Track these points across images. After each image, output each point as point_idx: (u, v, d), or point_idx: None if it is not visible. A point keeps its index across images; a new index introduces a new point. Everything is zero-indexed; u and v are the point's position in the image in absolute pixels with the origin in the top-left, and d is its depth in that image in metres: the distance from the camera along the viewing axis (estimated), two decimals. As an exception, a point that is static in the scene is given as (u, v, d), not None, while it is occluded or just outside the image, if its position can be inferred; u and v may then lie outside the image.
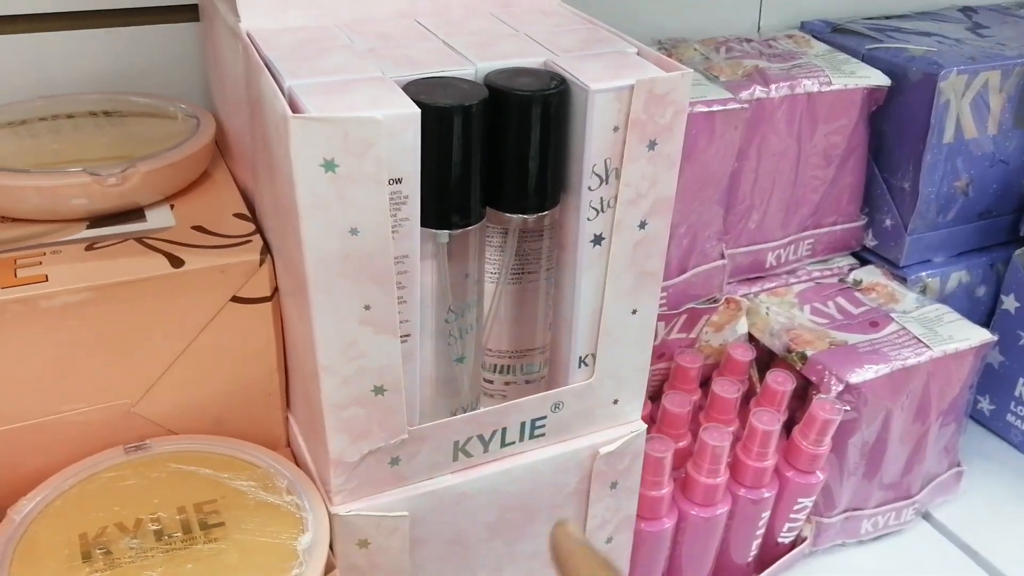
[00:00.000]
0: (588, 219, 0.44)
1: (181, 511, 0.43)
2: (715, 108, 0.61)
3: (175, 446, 0.47)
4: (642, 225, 0.45)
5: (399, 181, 0.39)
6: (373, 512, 0.45)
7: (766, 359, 0.68)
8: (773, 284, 0.72)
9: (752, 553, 0.64)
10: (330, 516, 0.45)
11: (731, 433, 0.57)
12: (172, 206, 0.51)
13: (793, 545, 0.67)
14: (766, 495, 0.61)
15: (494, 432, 0.47)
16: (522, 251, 0.46)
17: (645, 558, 0.59)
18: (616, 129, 0.42)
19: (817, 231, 0.73)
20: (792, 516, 0.64)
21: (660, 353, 0.66)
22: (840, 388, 0.62)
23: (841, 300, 0.71)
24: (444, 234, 0.42)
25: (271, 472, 0.46)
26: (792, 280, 0.73)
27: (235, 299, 0.47)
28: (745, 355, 0.65)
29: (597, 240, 0.45)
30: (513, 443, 0.48)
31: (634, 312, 0.48)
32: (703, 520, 0.59)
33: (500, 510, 0.49)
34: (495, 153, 0.42)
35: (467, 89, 0.41)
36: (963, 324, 0.68)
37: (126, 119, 0.54)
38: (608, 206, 0.44)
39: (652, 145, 0.43)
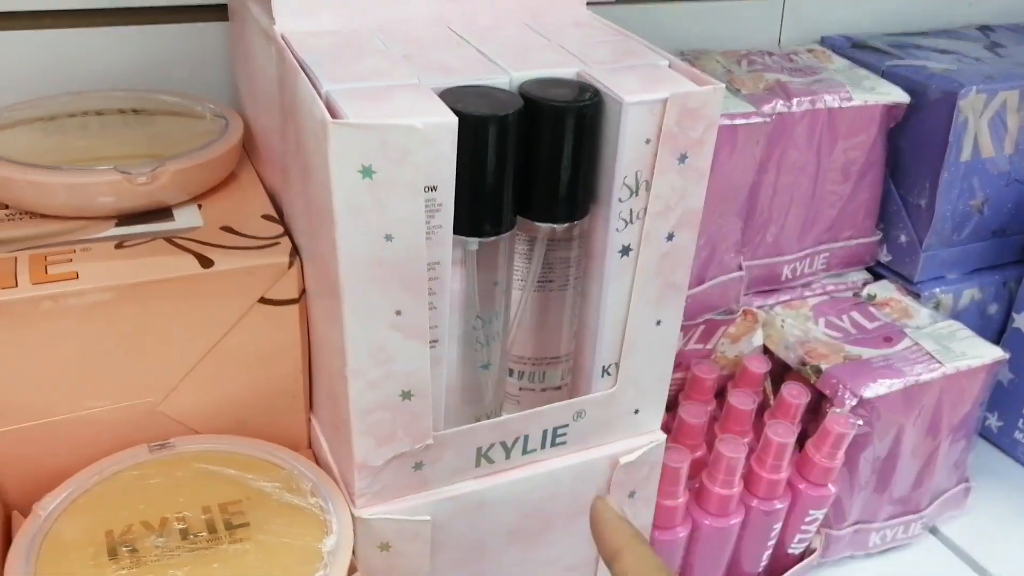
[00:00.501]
0: (617, 230, 0.44)
1: (206, 511, 0.43)
2: (738, 121, 0.62)
3: (199, 446, 0.47)
4: (670, 237, 0.46)
5: (434, 188, 0.39)
6: (396, 516, 0.45)
7: (779, 371, 0.69)
8: (788, 297, 0.73)
9: (763, 564, 0.64)
10: (353, 519, 0.45)
11: (746, 445, 0.58)
12: (200, 206, 0.51)
13: (803, 556, 0.67)
14: (779, 507, 0.61)
15: (516, 439, 0.48)
16: (549, 259, 0.46)
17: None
18: (648, 142, 0.42)
19: (833, 245, 0.74)
20: (803, 528, 0.64)
21: (676, 363, 0.66)
22: (854, 402, 0.63)
23: (856, 314, 0.71)
24: (474, 241, 0.43)
25: (295, 474, 0.46)
26: (807, 293, 0.74)
27: (263, 300, 0.47)
28: (761, 367, 0.65)
29: (625, 251, 0.45)
30: (535, 451, 0.49)
31: (658, 323, 0.48)
32: (716, 530, 0.59)
33: (519, 517, 0.50)
34: (527, 162, 0.42)
35: (503, 99, 0.41)
36: (976, 341, 0.68)
37: (154, 117, 0.54)
38: (637, 218, 0.44)
39: (683, 159, 0.44)
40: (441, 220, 0.40)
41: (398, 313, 0.40)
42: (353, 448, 0.44)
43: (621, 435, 0.51)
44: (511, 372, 0.50)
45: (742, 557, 0.63)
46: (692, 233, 0.46)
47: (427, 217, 0.39)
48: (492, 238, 0.43)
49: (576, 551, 0.53)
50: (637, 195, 0.44)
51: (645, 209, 0.44)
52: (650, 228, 0.45)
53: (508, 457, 0.48)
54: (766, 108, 0.64)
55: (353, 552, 0.45)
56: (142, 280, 0.44)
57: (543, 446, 0.49)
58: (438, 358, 0.43)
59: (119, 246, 0.46)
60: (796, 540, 0.65)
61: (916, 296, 0.74)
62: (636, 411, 0.50)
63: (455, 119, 0.38)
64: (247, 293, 0.47)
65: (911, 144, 0.72)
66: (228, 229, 0.49)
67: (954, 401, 0.67)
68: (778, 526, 0.62)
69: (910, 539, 0.72)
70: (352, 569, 0.44)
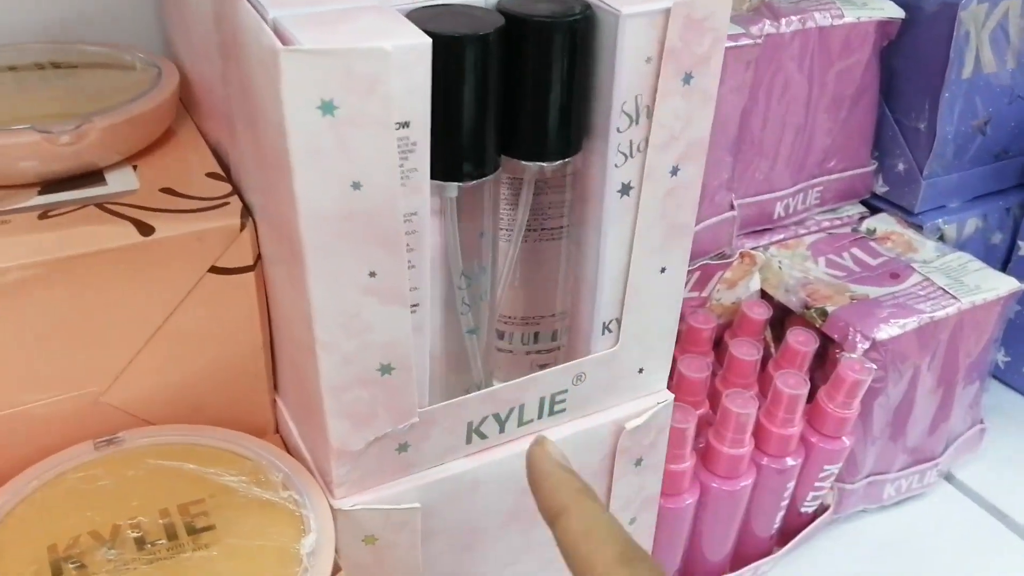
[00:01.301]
0: (616, 165, 0.39)
1: (164, 514, 0.37)
2: (726, 44, 0.56)
3: (152, 439, 0.41)
4: (674, 171, 0.40)
5: (406, 125, 0.33)
6: (381, 505, 0.40)
7: (779, 317, 0.64)
8: (782, 236, 0.68)
9: (775, 526, 0.60)
10: (333, 511, 0.40)
11: (754, 398, 0.53)
12: (135, 167, 0.44)
13: (816, 515, 0.63)
14: (792, 464, 0.57)
15: (511, 410, 0.42)
16: (539, 205, 0.41)
17: (666, 537, 0.55)
18: (648, 60, 0.37)
19: (827, 178, 0.69)
20: (817, 484, 0.60)
21: (671, 314, 0.61)
22: (866, 346, 0.58)
23: (856, 251, 0.67)
24: (453, 187, 0.37)
25: (263, 464, 0.41)
26: (801, 231, 0.69)
27: (213, 269, 0.41)
28: (762, 313, 0.61)
29: (625, 190, 0.40)
30: (531, 421, 0.43)
31: (663, 270, 0.43)
32: (727, 494, 0.55)
33: (517, 495, 0.45)
34: (510, 91, 0.37)
35: (480, 16, 0.35)
36: (988, 273, 0.64)
37: (77, 71, 0.48)
38: (638, 150, 0.39)
39: (688, 79, 0.38)
40: (416, 162, 0.34)
41: (372, 275, 0.35)
42: (328, 432, 0.38)
43: (625, 398, 0.46)
44: (500, 335, 0.44)
45: (754, 520, 0.59)
46: (698, 166, 0.41)
47: (400, 159, 0.34)
48: (474, 182, 0.37)
49: (582, 527, 0.48)
50: (637, 124, 0.38)
51: (646, 140, 0.39)
52: (653, 162, 0.39)
53: (503, 430, 0.43)
54: (754, 29, 0.59)
55: (335, 549, 0.40)
56: (73, 253, 0.38)
57: (540, 415, 0.44)
58: (420, 324, 0.38)
59: (44, 216, 0.40)
60: (809, 498, 0.61)
61: (918, 228, 0.70)
62: (640, 370, 0.45)
63: (428, 40, 0.32)
64: (195, 262, 0.41)
65: (907, 63, 0.67)
66: (169, 191, 0.42)
67: (969, 338, 0.63)
68: (791, 485, 0.58)
69: (925, 488, 0.68)
70: (336, 568, 0.39)
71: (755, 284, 0.63)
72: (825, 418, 0.57)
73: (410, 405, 0.38)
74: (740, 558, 0.60)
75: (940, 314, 0.60)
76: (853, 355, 0.57)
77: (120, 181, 0.43)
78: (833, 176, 0.69)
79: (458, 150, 0.36)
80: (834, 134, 0.67)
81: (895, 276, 0.64)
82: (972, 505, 0.68)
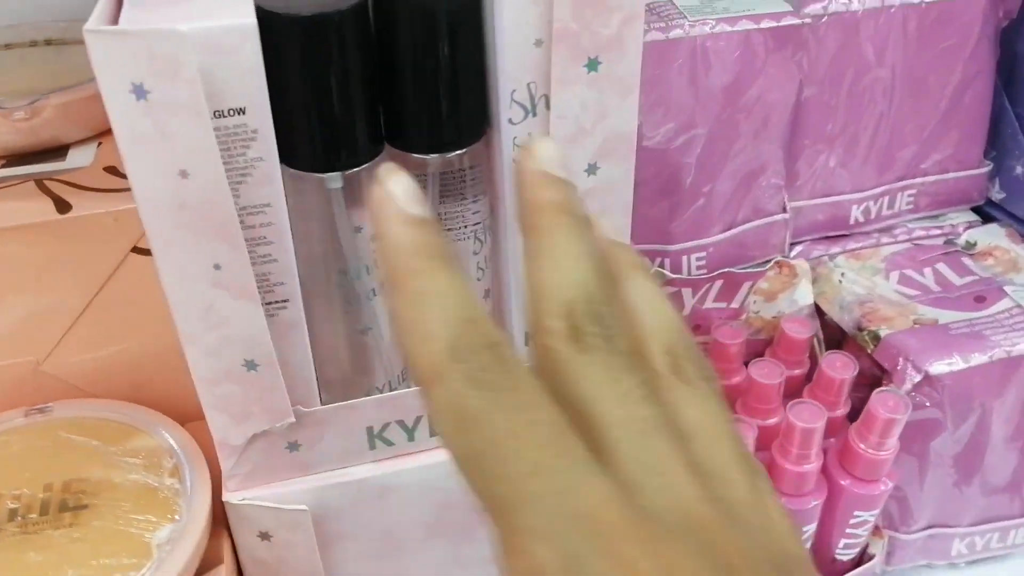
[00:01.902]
0: (515, 160, 0.35)
1: (48, 488, 0.38)
2: (764, 25, 0.49)
3: (77, 411, 0.42)
4: (591, 170, 0.36)
5: (242, 112, 0.31)
6: (269, 503, 0.39)
7: (837, 339, 0.56)
8: (858, 245, 0.60)
9: (797, 570, 0.53)
10: (225, 505, 0.39)
11: (755, 427, 0.47)
12: (99, 144, 0.45)
13: (857, 563, 0.55)
14: (810, 504, 0.50)
15: (419, 419, 0.40)
16: (449, 202, 0.38)
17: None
18: (539, 43, 0.33)
19: (922, 180, 0.60)
20: (849, 531, 0.52)
21: (696, 325, 0.55)
22: (917, 379, 0.50)
23: (943, 267, 0.57)
24: (336, 177, 0.35)
25: (164, 448, 0.40)
26: (886, 240, 0.60)
27: (136, 250, 0.41)
28: (802, 332, 0.53)
29: (530, 188, 0.36)
30: (448, 431, 0.40)
31: (594, 280, 0.38)
32: (726, 529, 0.49)
33: (438, 509, 0.42)
34: (386, 77, 0.34)
35: (336, -6, 0.32)
36: (1104, 303, 0.53)
37: (67, 47, 0.49)
38: (541, 145, 0.35)
39: (593, 65, 0.33)
40: (261, 151, 0.32)
41: (217, 267, 0.33)
42: (209, 424, 0.37)
43: (564, 415, 0.42)
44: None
45: (768, 560, 0.52)
46: (626, 165, 0.36)
47: (241, 148, 0.32)
48: (351, 170, 0.34)
49: (521, 549, 0.45)
50: (535, 115, 0.34)
51: (548, 134, 0.34)
52: (559, 159, 0.35)
53: (412, 439, 0.40)
54: (812, 8, 0.51)
55: (233, 540, 0.40)
56: (-1, 227, 0.39)
57: (458, 426, 0.40)
58: (294, 321, 0.36)
59: (-9, 190, 0.42)
60: (842, 545, 0.53)
61: (1033, 245, 0.59)
62: (580, 386, 0.41)
63: (252, 21, 0.30)
64: (116, 241, 0.41)
65: (1029, 49, 0.56)
66: (111, 170, 0.43)
67: (1067, 379, 0.52)
68: (810, 527, 0.51)
69: (1011, 549, 0.58)
70: (215, 560, 0.38)
71: (804, 297, 0.56)
72: (856, 459, 0.50)
73: (282, 404, 0.37)
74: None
75: (1021, 349, 0.50)
76: (889, 388, 0.49)
77: (79, 157, 0.44)
78: (931, 178, 0.60)
79: (327, 138, 0.34)
80: (930, 129, 0.58)
81: (980, 300, 0.54)
82: (1070, 577, 0.57)
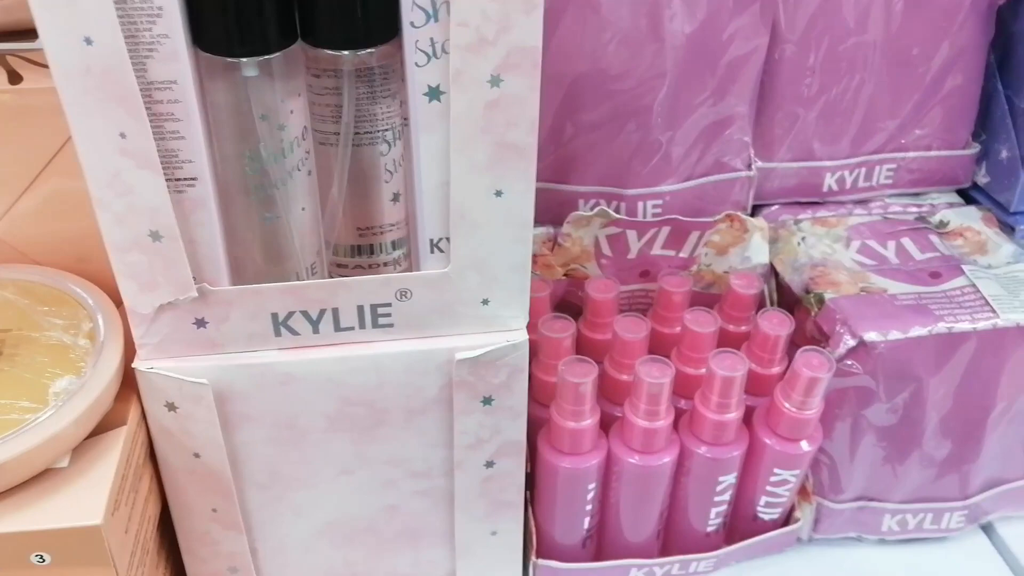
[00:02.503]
0: (417, 64, 0.36)
1: (-26, 335, 0.41)
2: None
3: (18, 274, 0.45)
4: (495, 82, 0.37)
5: (148, -13, 0.33)
6: (172, 373, 0.41)
7: (792, 304, 0.56)
8: (830, 214, 0.59)
9: (714, 521, 0.53)
10: (135, 371, 0.41)
11: (671, 370, 0.47)
12: (76, 29, 0.48)
13: (782, 526, 0.55)
14: (727, 455, 0.50)
15: (323, 312, 0.41)
16: (361, 103, 0.39)
17: (566, 498, 0.51)
18: (439, -54, 0.34)
19: (903, 155, 0.59)
20: (770, 489, 0.52)
21: (644, 270, 0.56)
22: (852, 344, 0.50)
23: (907, 241, 0.56)
24: (251, 64, 0.36)
25: (87, 314, 0.43)
26: (858, 211, 0.59)
27: (85, 127, 0.43)
28: (748, 288, 0.53)
29: (434, 94, 0.37)
30: (352, 329, 0.42)
31: (498, 194, 0.39)
32: (640, 469, 0.50)
33: (340, 403, 0.44)
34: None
35: None
36: (1064, 292, 0.52)
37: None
38: (443, 51, 0.36)
39: (493, -25, 0.34)
40: (165, 28, 0.34)
41: (123, 136, 0.35)
42: (120, 291, 0.40)
43: (468, 329, 0.43)
44: (344, 249, 0.43)
45: (685, 510, 0.53)
46: (531, 80, 0.37)
47: (147, 23, 0.34)
48: (260, 58, 0.36)
49: (423, 456, 0.46)
50: (436, 20, 0.35)
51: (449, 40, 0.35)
52: (460, 66, 0.36)
53: (316, 332, 0.42)
54: (790, -36, 0.51)
55: (143, 408, 0.42)
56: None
57: (363, 325, 0.42)
58: (202, 199, 0.38)
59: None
60: (763, 503, 0.53)
61: (1010, 230, 0.58)
62: (485, 301, 0.42)
63: None
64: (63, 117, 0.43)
65: None
66: (75, 51, 0.45)
67: (1015, 365, 0.51)
68: (728, 479, 0.51)
69: (946, 532, 0.57)
70: (118, 421, 0.41)
71: (759, 256, 0.55)
72: (780, 417, 0.50)
73: (185, 278, 0.39)
74: (672, 548, 0.55)
75: (963, 327, 0.49)
76: (814, 348, 0.49)
77: (52, 40, 0.47)
78: (912, 154, 0.59)
79: (239, 22, 0.35)
80: (913, 103, 0.57)
81: (936, 276, 0.53)
82: (1004, 568, 0.56)
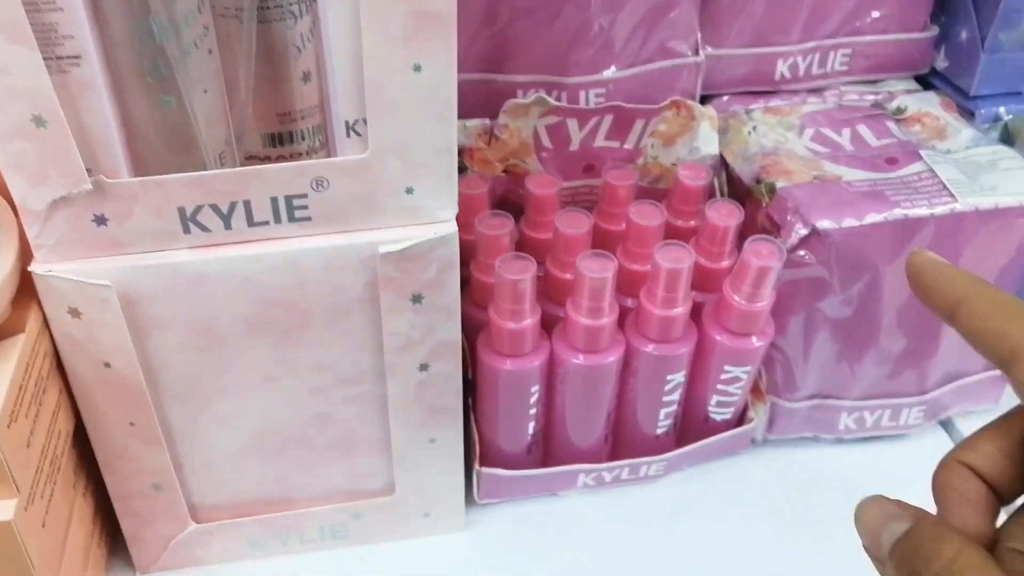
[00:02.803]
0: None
1: None
2: None
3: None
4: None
5: None
6: (73, 276, 0.38)
7: (743, 197, 0.53)
8: (783, 103, 0.56)
9: (664, 423, 0.52)
10: (33, 275, 0.38)
11: (614, 264, 0.45)
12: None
13: (735, 426, 0.54)
14: (675, 352, 0.48)
15: (234, 205, 0.38)
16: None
17: (508, 402, 0.49)
18: None
19: (858, 39, 0.56)
20: (721, 388, 0.51)
21: (588, 164, 0.53)
22: (804, 233, 0.47)
23: (863, 128, 0.54)
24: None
25: (-17, 215, 0.40)
26: (812, 99, 0.57)
27: None
28: (696, 179, 0.51)
29: (336, -45, 0.33)
30: (266, 224, 0.39)
31: (417, 69, 0.36)
32: (584, 369, 0.47)
33: (259, 305, 0.41)
34: None
35: None
36: (1023, 175, 0.50)
37: None
38: (341, -95, 0.33)
39: None
40: None
41: (-12, 4, 0.32)
42: (8, 187, 0.36)
43: (393, 221, 0.40)
44: (261, 139, 0.40)
45: (631, 410, 0.51)
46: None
47: None
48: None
49: (352, 360, 0.44)
50: None
51: None
52: (362, -79, 0.32)
53: (229, 227, 0.39)
54: None
55: (44, 314, 0.39)
56: None
57: (278, 220, 0.39)
58: (88, 81, 0.34)
59: None
60: (715, 403, 0.52)
61: (969, 115, 0.55)
62: (409, 190, 0.39)
63: None
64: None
65: None
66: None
67: (972, 253, 0.49)
68: (675, 377, 0.49)
69: (905, 429, 0.56)
70: (14, 331, 0.38)
71: (708, 146, 0.53)
72: (729, 311, 0.48)
73: (77, 168, 0.35)
74: (621, 452, 0.53)
75: (919, 212, 0.47)
76: (764, 237, 0.46)
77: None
78: (868, 38, 0.56)
79: None
80: (870, -19, 0.54)
81: (892, 162, 0.51)
82: (961, 463, 0.55)
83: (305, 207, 0.39)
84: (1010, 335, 0.25)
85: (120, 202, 0.37)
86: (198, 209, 0.38)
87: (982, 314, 0.26)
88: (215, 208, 0.38)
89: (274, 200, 0.38)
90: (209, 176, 0.37)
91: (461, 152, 0.52)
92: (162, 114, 0.37)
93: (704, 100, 0.57)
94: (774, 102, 0.56)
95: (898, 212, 0.47)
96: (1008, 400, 0.56)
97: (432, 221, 0.40)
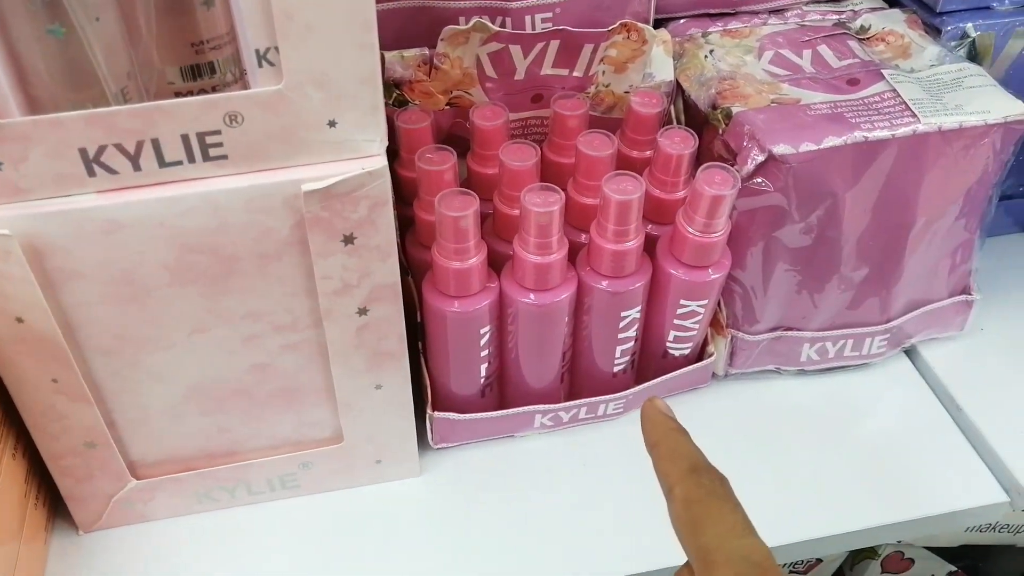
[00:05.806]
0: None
1: None
2: None
3: None
4: None
5: None
6: (-30, 227, 0.35)
7: (701, 125, 0.51)
8: (742, 25, 0.53)
9: (621, 360, 0.50)
10: (-70, 226, 0.36)
11: (560, 197, 0.42)
12: None
13: (695, 361, 0.52)
14: (629, 287, 0.46)
15: (141, 144, 0.35)
16: None
17: (458, 345, 0.47)
18: None
19: (820, -47, 0.53)
20: (678, 323, 0.49)
21: (537, 94, 0.50)
22: (761, 159, 0.45)
23: (824, 49, 0.51)
24: None
25: None
26: (773, 21, 0.54)
27: None
28: (649, 106, 0.48)
29: None
30: (179, 164, 0.36)
31: (331, -10, 0.33)
32: (535, 308, 0.45)
33: (179, 251, 0.38)
34: None
35: None
36: (989, 92, 0.47)
37: None
38: None
39: None
40: None
41: None
42: None
43: (317, 157, 0.37)
44: (173, 73, 0.37)
45: (588, 349, 0.49)
46: None
47: None
48: None
49: (285, 307, 0.41)
50: None
51: None
52: None
53: (138, 168, 0.36)
54: None
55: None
56: None
57: (192, 159, 0.36)
58: (-34, 10, 0.31)
59: None
60: (672, 338, 0.50)
61: (936, 32, 0.53)
62: (332, 123, 0.37)
63: None
64: None
65: None
66: None
67: (935, 174, 0.47)
68: (630, 313, 0.47)
69: (868, 359, 0.54)
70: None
71: (663, 72, 0.50)
72: (684, 243, 0.46)
73: (-40, 108, 0.33)
74: (579, 392, 0.51)
75: (880, 134, 0.45)
76: (717, 164, 0.44)
77: None
78: (829, -50, 0.53)
79: None
80: None
81: (853, 83, 0.49)
82: (927, 391, 0.54)
83: (220, 144, 0.36)
84: (669, 474, 0.32)
85: (13, 144, 0.34)
86: (101, 149, 0.35)
87: (663, 455, 0.33)
88: (120, 148, 0.35)
89: (185, 138, 0.36)
90: (110, 113, 0.34)
91: (400, 85, 0.49)
92: (52, 45, 0.34)
93: (660, 24, 0.54)
94: (732, 24, 0.53)
95: (858, 135, 0.45)
96: (972, 326, 0.55)
97: (359, 155, 0.38)
